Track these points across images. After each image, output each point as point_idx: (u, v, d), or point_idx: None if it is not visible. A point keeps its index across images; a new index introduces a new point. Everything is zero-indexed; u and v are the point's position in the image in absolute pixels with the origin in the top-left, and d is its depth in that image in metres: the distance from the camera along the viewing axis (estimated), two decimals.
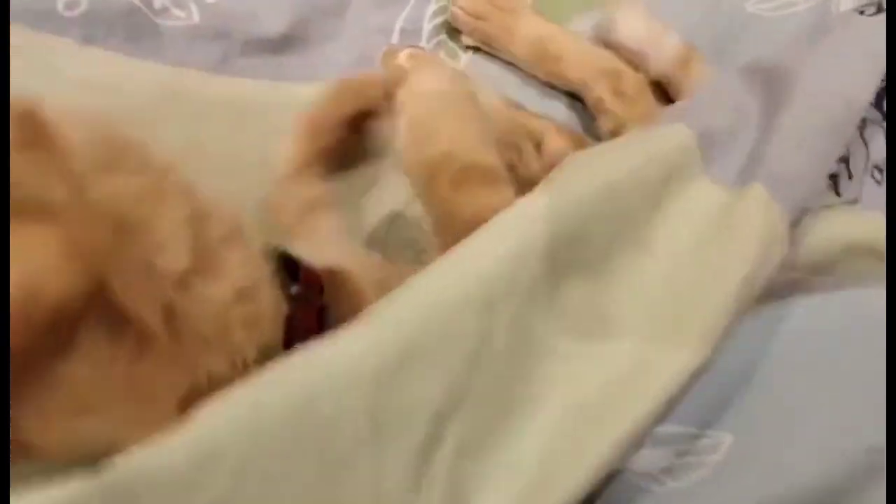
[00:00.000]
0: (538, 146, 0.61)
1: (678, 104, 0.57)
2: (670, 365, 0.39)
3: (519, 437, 0.38)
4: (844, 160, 0.55)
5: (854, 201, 0.53)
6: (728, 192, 0.45)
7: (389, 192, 0.58)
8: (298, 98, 0.63)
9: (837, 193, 0.54)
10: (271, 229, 0.52)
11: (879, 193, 0.54)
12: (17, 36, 0.58)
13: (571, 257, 0.40)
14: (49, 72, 0.59)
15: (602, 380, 0.40)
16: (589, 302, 0.41)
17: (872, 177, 0.54)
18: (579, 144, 0.62)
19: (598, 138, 0.64)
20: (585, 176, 0.43)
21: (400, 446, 0.35)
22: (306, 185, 0.55)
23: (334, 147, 0.57)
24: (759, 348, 0.44)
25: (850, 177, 0.55)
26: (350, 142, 0.57)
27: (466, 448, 0.37)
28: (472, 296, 0.37)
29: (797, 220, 0.46)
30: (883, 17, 0.54)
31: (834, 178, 0.53)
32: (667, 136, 0.46)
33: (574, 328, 0.40)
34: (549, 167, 0.55)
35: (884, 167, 0.55)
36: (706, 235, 0.43)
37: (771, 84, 0.50)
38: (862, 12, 0.55)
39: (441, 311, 0.37)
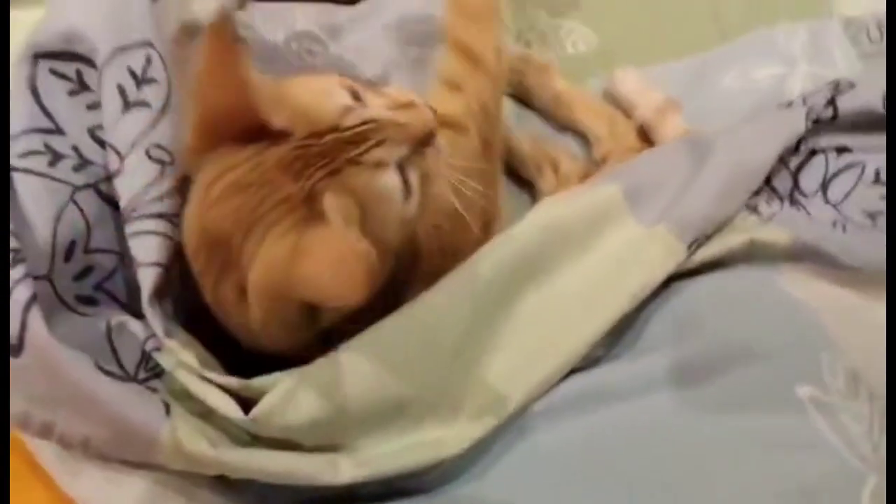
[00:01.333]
0: (555, 168, 0.85)
1: (618, 166, 0.76)
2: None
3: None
4: (771, 190, 0.76)
5: (770, 218, 0.72)
6: (645, 229, 0.66)
7: None
8: None
9: (759, 214, 0.73)
10: None
11: (793, 215, 0.72)
12: None
13: (528, 272, 0.63)
14: None
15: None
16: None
17: (793, 199, 0.74)
18: (581, 167, 0.85)
19: (595, 164, 0.86)
20: (543, 215, 0.65)
21: None
22: None
23: None
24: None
25: (769, 203, 0.74)
26: None
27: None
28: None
29: (698, 242, 0.65)
30: (800, 111, 0.73)
31: (753, 207, 0.72)
32: (599, 191, 0.67)
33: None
34: (563, 183, 0.80)
35: (810, 192, 0.74)
36: (624, 253, 0.65)
37: (700, 150, 0.71)
38: (804, 102, 0.75)
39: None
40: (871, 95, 0.73)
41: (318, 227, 0.50)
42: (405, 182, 0.55)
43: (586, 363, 0.62)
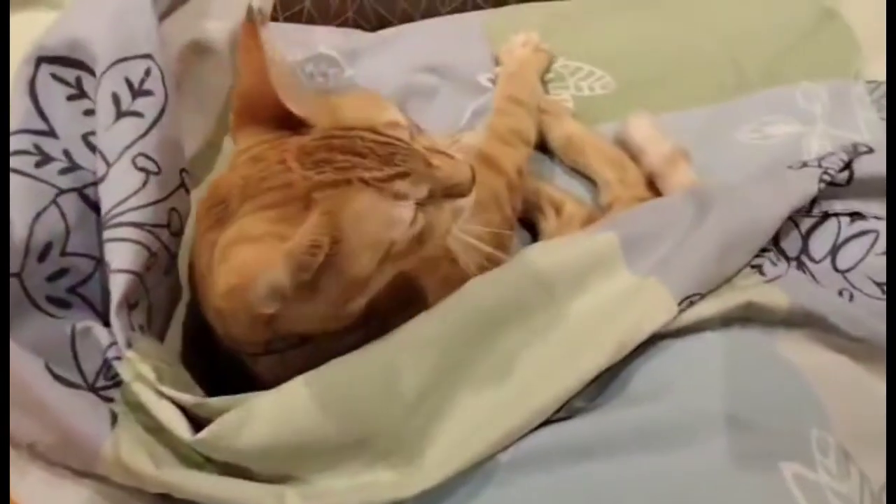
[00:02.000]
0: (559, 210, 0.84)
1: (618, 214, 0.76)
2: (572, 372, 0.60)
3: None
4: (779, 250, 0.73)
5: (773, 280, 0.70)
6: (636, 278, 0.65)
7: None
8: None
9: (763, 274, 0.71)
10: None
11: (798, 279, 0.71)
12: None
13: (510, 316, 0.62)
14: None
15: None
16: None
17: (801, 262, 0.72)
18: (586, 212, 0.83)
19: (601, 209, 0.84)
20: (531, 260, 0.65)
21: None
22: None
23: None
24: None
25: (775, 264, 0.72)
26: None
27: None
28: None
29: (691, 299, 0.63)
30: (814, 172, 0.72)
31: (758, 267, 0.70)
32: (594, 239, 0.66)
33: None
34: (565, 225, 0.79)
35: (819, 257, 0.72)
36: (611, 304, 0.63)
37: (704, 204, 0.69)
38: (820, 164, 0.73)
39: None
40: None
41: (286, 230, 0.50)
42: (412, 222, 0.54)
43: (567, 413, 0.60)
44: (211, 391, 0.58)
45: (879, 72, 0.93)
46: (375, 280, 0.55)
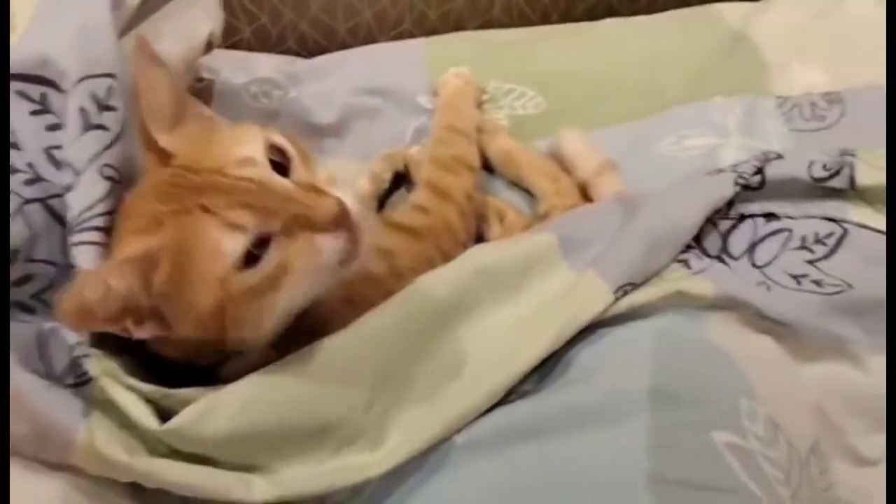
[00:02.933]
0: (501, 218, 0.89)
1: (556, 218, 0.81)
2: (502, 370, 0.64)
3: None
4: (701, 249, 0.79)
5: (699, 272, 0.75)
6: (576, 274, 0.70)
7: None
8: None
9: (689, 268, 0.77)
10: None
11: (721, 270, 0.76)
12: None
13: (456, 310, 0.65)
14: None
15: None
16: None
17: (722, 260, 0.77)
18: (526, 220, 0.89)
19: (538, 217, 0.89)
20: (476, 259, 0.68)
21: None
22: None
23: (383, 191, 0.92)
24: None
25: (700, 259, 0.78)
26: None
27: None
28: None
29: (625, 289, 0.67)
30: (729, 177, 0.78)
31: (684, 261, 0.75)
32: (534, 239, 0.70)
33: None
34: (506, 233, 0.84)
35: (737, 254, 0.77)
36: (551, 298, 0.67)
37: (631, 207, 0.75)
38: (734, 169, 0.79)
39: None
40: (797, 165, 0.76)
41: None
42: (252, 254, 0.54)
43: (516, 396, 0.64)
44: (176, 384, 0.60)
45: (783, 88, 1.01)
46: (261, 313, 0.57)
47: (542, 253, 0.70)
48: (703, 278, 0.71)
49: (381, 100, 1.00)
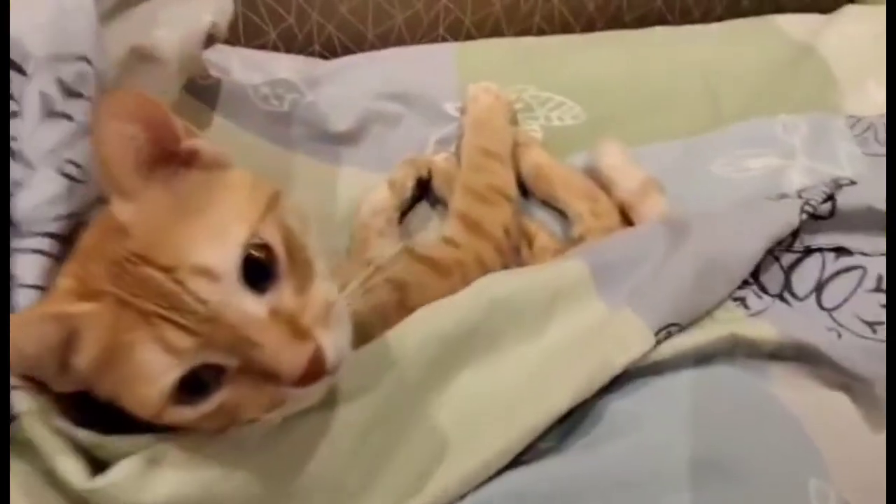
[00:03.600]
0: (530, 242, 0.79)
1: (590, 243, 0.71)
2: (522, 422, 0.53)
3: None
4: (759, 286, 0.68)
5: (758, 313, 0.65)
6: (609, 309, 0.58)
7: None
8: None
9: (746, 307, 0.66)
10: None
11: (784, 312, 0.66)
12: None
13: (465, 346, 0.55)
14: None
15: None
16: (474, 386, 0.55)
17: (784, 299, 0.67)
18: (558, 244, 0.79)
19: (572, 242, 0.79)
20: (491, 286, 0.58)
21: None
22: (382, 221, 0.79)
23: (404, 202, 0.82)
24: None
25: (759, 297, 0.67)
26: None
27: None
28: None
29: (669, 330, 0.58)
30: (795, 203, 0.68)
31: (740, 300, 0.65)
32: (562, 266, 0.61)
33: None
34: (537, 257, 0.75)
35: (802, 294, 0.67)
36: (582, 335, 0.57)
37: (678, 234, 0.65)
38: (800, 195, 0.69)
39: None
40: (872, 194, 0.67)
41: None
42: (197, 378, 0.44)
43: (533, 455, 0.54)
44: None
45: (856, 107, 0.91)
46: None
47: (570, 283, 0.60)
48: (762, 320, 0.62)
49: (403, 106, 0.92)
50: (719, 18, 1.13)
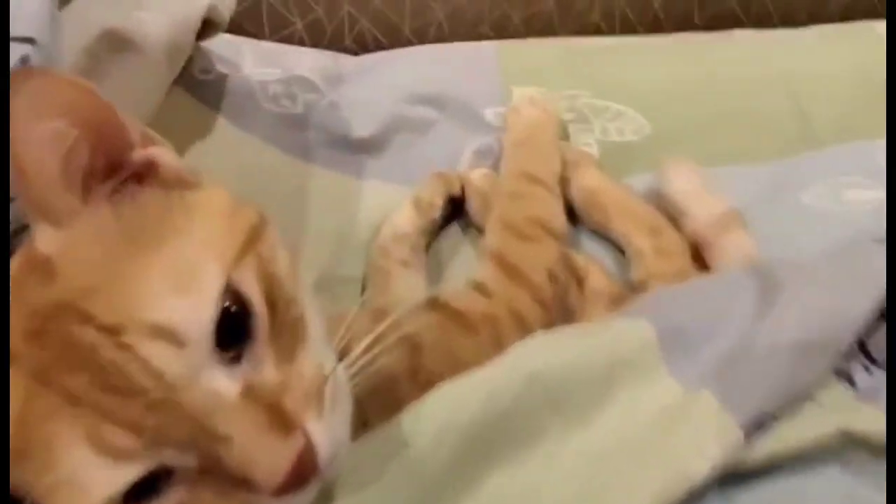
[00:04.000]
0: (580, 283, 0.65)
1: (655, 294, 0.57)
2: None
3: None
4: (866, 356, 0.54)
5: (869, 395, 0.50)
6: (683, 391, 0.45)
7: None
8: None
9: (852, 385, 0.52)
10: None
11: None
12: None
13: (496, 438, 0.42)
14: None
15: None
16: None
17: None
18: (615, 287, 0.65)
19: (631, 287, 0.66)
20: (530, 358, 0.45)
21: None
22: (406, 248, 0.68)
23: (434, 224, 0.70)
24: None
25: (869, 371, 0.53)
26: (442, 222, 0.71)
27: None
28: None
29: (761, 422, 0.45)
30: None
31: (845, 375, 0.51)
32: (621, 329, 0.48)
33: None
34: (588, 301, 0.62)
35: None
36: (647, 429, 0.44)
37: (768, 288, 0.51)
38: None
39: None
40: None
41: None
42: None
43: None
44: None
45: None
46: None
47: (633, 353, 0.47)
48: (875, 406, 0.48)
49: (436, 110, 0.81)
50: (803, 23, 1.01)
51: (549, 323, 0.56)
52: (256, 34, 1.02)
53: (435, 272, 0.70)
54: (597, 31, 1.10)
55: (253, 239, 0.36)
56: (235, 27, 0.99)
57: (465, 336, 0.51)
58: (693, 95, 0.82)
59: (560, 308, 0.59)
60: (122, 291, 0.32)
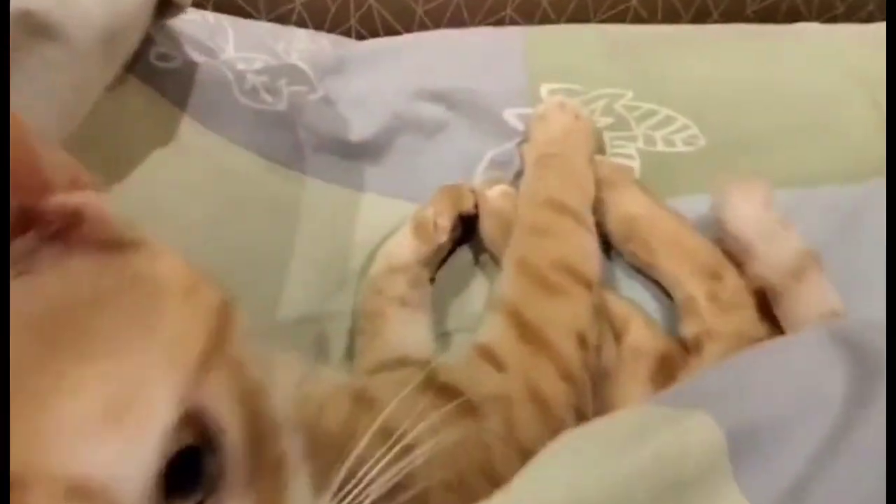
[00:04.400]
0: (619, 335, 0.53)
1: (711, 375, 0.43)
2: None
3: None
4: None
5: None
6: None
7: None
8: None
9: None
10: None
11: None
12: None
13: None
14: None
15: None
16: None
17: None
18: (661, 346, 0.52)
19: (681, 342, 0.53)
20: (555, 476, 0.34)
21: None
22: (403, 284, 0.56)
23: (439, 250, 0.58)
24: None
25: None
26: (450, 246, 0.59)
27: None
28: None
29: None
30: None
31: None
32: (684, 432, 0.35)
33: None
34: (626, 362, 0.51)
35: None
36: None
37: (862, 362, 0.38)
38: None
39: None
40: None
41: None
42: None
43: None
44: None
45: None
46: None
47: (698, 468, 0.34)
48: None
49: (448, 109, 0.69)
50: (868, 19, 0.92)
51: (579, 403, 0.44)
52: (251, 12, 0.92)
53: (438, 309, 0.58)
54: (636, 17, 1.00)
55: (220, 333, 0.26)
56: (226, 3, 0.88)
57: (462, 421, 0.39)
58: (757, 100, 0.69)
59: (592, 374, 0.47)
60: (25, 422, 0.21)
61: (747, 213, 0.56)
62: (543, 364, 0.44)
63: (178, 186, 0.56)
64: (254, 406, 0.25)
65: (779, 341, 0.47)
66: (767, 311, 0.53)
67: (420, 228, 0.59)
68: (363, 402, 0.37)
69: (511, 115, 0.69)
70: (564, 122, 0.62)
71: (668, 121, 0.68)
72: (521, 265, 0.49)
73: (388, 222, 0.61)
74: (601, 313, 0.51)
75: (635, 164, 0.65)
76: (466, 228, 0.61)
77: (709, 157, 0.66)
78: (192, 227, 0.55)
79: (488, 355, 0.44)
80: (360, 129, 0.67)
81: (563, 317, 0.46)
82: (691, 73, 0.72)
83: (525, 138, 0.64)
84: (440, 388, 0.41)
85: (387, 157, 0.67)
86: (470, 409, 0.40)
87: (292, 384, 0.39)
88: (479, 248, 0.61)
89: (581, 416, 0.44)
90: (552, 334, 0.45)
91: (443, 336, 0.57)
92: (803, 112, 0.68)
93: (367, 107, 0.68)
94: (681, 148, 0.67)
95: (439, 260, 0.60)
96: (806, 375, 0.39)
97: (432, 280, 0.59)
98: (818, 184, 0.63)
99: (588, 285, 0.49)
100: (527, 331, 0.45)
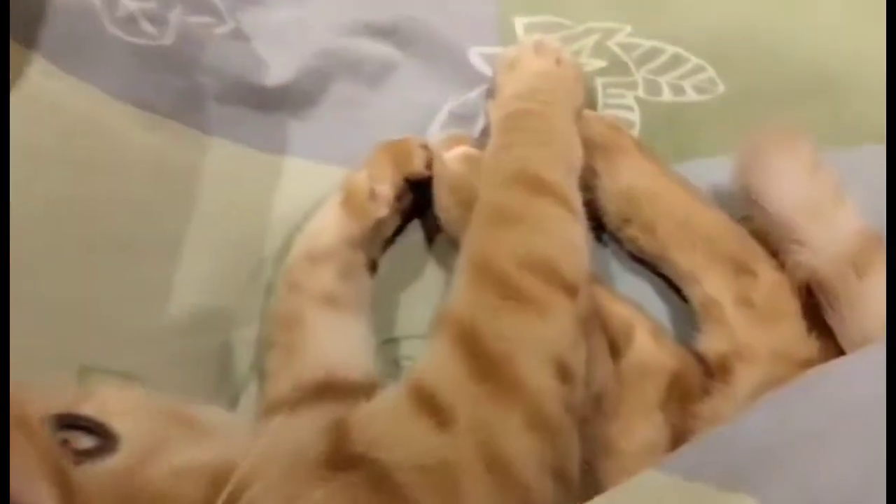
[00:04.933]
0: (623, 343, 0.44)
1: (750, 424, 0.32)
2: None
3: None
4: None
5: None
6: None
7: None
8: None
9: None
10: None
11: None
12: None
13: None
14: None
15: None
16: None
17: None
18: (674, 363, 0.43)
19: (700, 357, 0.43)
20: None
21: None
22: (329, 276, 0.48)
23: (379, 227, 0.50)
24: None
25: None
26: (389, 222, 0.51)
27: None
28: None
29: None
30: None
31: None
32: None
33: None
34: (631, 388, 0.42)
35: None
36: None
37: None
38: None
39: None
40: None
41: None
42: None
43: None
44: None
45: None
46: None
47: None
48: None
49: (396, 47, 0.59)
50: None
51: (557, 460, 0.33)
52: None
53: (381, 309, 0.50)
54: None
55: None
56: None
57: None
58: (785, 39, 0.57)
59: (579, 412, 0.36)
60: None
61: (787, 180, 0.44)
62: (505, 411, 0.33)
63: (21, 150, 0.44)
64: None
65: (840, 369, 0.35)
66: (816, 316, 0.42)
67: (351, 199, 0.49)
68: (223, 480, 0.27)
69: (476, 56, 0.59)
70: (542, 67, 0.50)
71: (676, 62, 0.57)
72: (479, 265, 0.37)
73: (316, 195, 0.52)
74: (593, 322, 0.40)
75: (635, 119, 0.56)
76: (418, 198, 0.52)
77: (729, 109, 0.56)
78: (40, 206, 0.44)
79: (427, 401, 0.32)
80: (279, 71, 0.56)
81: (536, 338, 0.35)
82: (707, 5, 0.61)
83: (492, 89, 0.53)
84: (349, 459, 0.30)
85: (315, 110, 0.58)
86: (392, 490, 0.30)
87: None
88: (434, 225, 0.52)
89: (560, 478, 0.34)
90: (519, 365, 0.34)
91: (387, 344, 0.49)
92: (839, 58, 0.57)
93: (289, 44, 0.58)
94: (693, 97, 0.57)
95: (382, 241, 0.51)
96: (853, 412, 0.29)
97: (373, 269, 0.51)
98: (859, 142, 0.53)
99: (571, 292, 0.37)
100: (483, 362, 0.33)
